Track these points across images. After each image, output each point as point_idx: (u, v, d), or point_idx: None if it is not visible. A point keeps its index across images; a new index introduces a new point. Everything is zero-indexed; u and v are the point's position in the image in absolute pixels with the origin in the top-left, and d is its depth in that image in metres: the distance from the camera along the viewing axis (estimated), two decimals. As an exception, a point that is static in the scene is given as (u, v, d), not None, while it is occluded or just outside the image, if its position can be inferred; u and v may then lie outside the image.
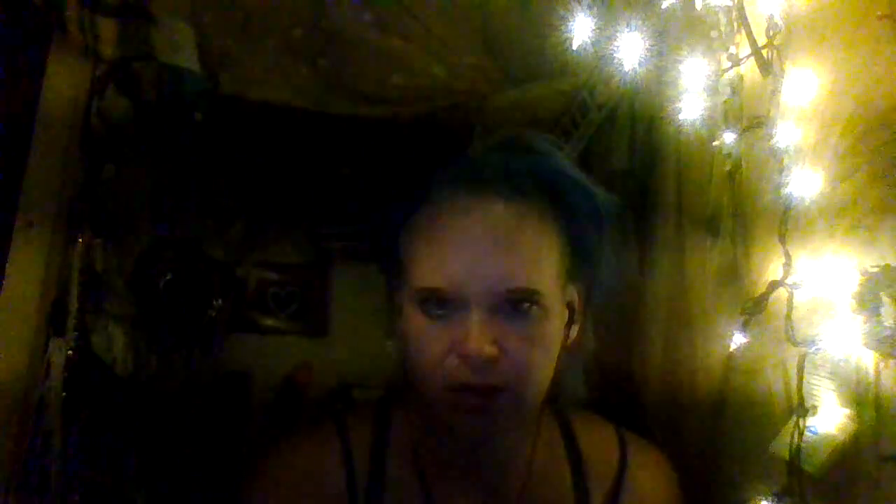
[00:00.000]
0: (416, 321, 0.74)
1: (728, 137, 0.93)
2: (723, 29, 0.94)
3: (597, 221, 0.80)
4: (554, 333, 0.76)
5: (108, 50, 1.30)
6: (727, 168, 0.96)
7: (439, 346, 0.72)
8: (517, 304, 0.72)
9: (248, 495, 0.84)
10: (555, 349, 0.76)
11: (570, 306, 0.80)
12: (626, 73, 0.93)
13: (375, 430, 0.85)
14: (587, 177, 0.80)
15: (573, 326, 0.81)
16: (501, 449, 0.82)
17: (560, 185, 0.77)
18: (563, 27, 0.94)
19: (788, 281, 0.79)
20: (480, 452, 0.82)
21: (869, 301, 0.68)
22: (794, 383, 0.78)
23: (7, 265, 1.10)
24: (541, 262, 0.73)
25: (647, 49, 0.91)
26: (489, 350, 0.70)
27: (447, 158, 0.79)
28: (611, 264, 0.83)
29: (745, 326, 0.88)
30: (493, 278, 0.71)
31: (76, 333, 1.20)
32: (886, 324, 0.66)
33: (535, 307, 0.72)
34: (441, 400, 0.73)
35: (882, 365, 0.69)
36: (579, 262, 0.79)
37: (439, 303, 0.72)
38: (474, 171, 0.75)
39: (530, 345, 0.72)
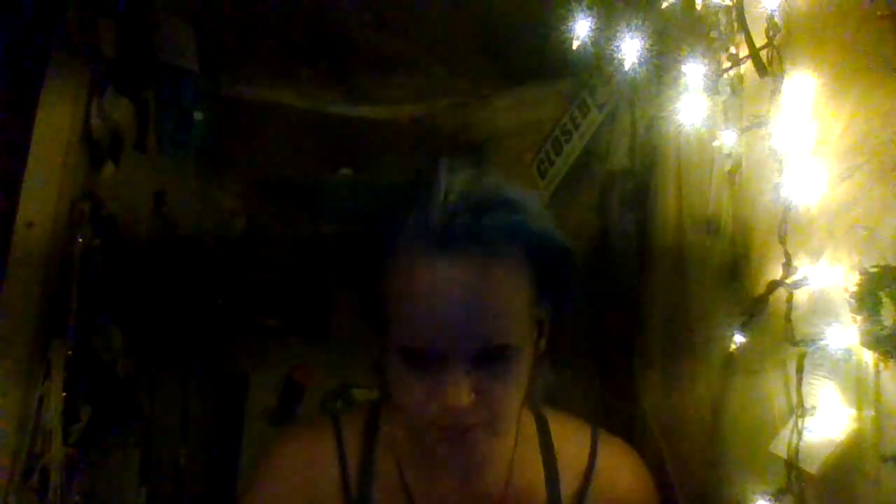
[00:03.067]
0: (396, 369, 0.77)
1: (728, 137, 0.93)
2: (723, 29, 0.94)
3: (563, 262, 0.82)
4: (525, 362, 0.79)
5: (108, 50, 1.29)
6: (727, 168, 0.96)
7: (419, 394, 0.76)
8: (491, 355, 0.75)
9: (249, 485, 0.90)
10: (526, 373, 0.80)
11: (539, 323, 0.83)
12: (626, 73, 0.94)
13: (367, 429, 0.90)
14: (553, 223, 0.81)
15: (542, 339, 0.84)
16: (481, 461, 0.87)
17: (529, 237, 0.77)
18: (563, 27, 0.94)
19: (788, 281, 0.79)
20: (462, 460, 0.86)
21: (869, 301, 0.68)
22: (794, 383, 0.78)
23: (7, 265, 1.10)
24: (512, 314, 0.76)
25: (647, 49, 0.91)
26: (466, 400, 0.73)
27: (413, 206, 0.76)
28: (577, 287, 0.85)
29: (745, 326, 0.88)
30: (469, 338, 0.74)
31: (76, 333, 1.20)
32: (886, 324, 0.66)
33: (507, 353, 0.76)
34: (423, 433, 0.79)
35: (882, 365, 0.69)
36: (548, 291, 0.81)
37: (417, 358, 0.75)
38: (444, 231, 0.74)
39: (505, 384, 0.76)
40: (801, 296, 0.79)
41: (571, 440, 0.91)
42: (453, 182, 0.76)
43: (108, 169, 1.30)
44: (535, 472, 0.88)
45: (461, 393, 0.73)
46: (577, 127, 1.55)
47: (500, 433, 0.81)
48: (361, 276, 0.81)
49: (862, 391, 0.71)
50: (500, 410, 0.77)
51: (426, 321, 0.73)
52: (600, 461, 0.89)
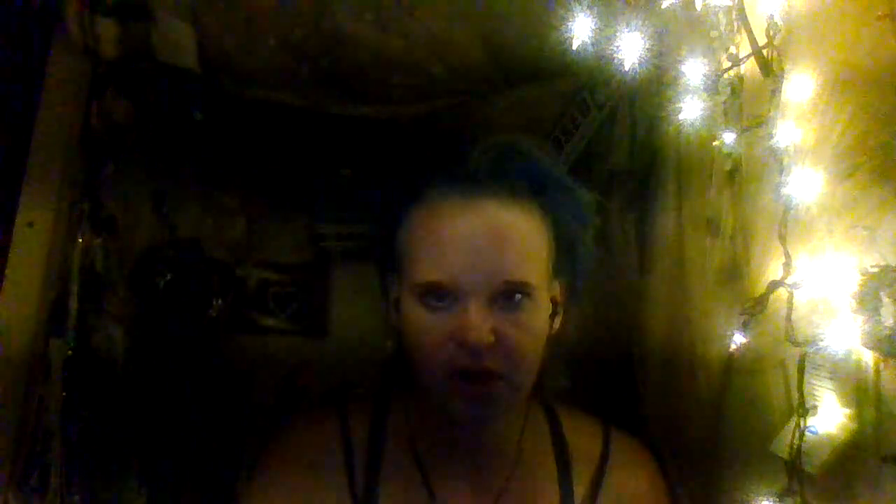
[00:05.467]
0: (415, 313, 0.79)
1: (728, 137, 0.93)
2: (723, 29, 0.94)
3: (580, 220, 0.86)
4: (542, 323, 0.81)
5: (108, 50, 1.29)
6: (727, 168, 0.96)
7: (439, 335, 0.77)
8: (511, 295, 0.77)
9: (253, 475, 0.90)
10: (542, 338, 0.82)
11: (553, 300, 0.85)
12: (626, 73, 0.94)
13: (374, 415, 0.90)
14: (572, 178, 0.86)
15: (556, 318, 0.87)
16: (493, 435, 0.87)
17: (547, 185, 0.82)
18: (563, 27, 0.94)
19: (788, 281, 0.79)
20: (473, 437, 0.87)
21: (869, 301, 0.68)
22: (794, 383, 0.78)
23: (7, 265, 1.10)
24: (532, 257, 0.79)
25: (647, 49, 0.91)
26: (486, 338, 0.75)
27: (443, 157, 0.84)
28: (590, 261, 0.88)
29: (745, 326, 0.88)
30: (490, 272, 0.76)
31: (76, 333, 1.20)
32: (886, 324, 0.66)
33: (526, 298, 0.78)
34: (440, 386, 0.79)
35: (882, 365, 0.69)
36: (563, 258, 0.85)
37: (438, 295, 0.77)
38: (469, 172, 0.80)
39: (522, 333, 0.78)
40: (801, 296, 0.79)
41: (583, 434, 0.92)
42: (482, 139, 0.84)
43: (108, 169, 1.30)
44: (547, 463, 0.89)
45: (482, 329, 0.74)
46: (577, 127, 1.55)
47: (513, 398, 0.81)
48: (389, 220, 0.84)
49: (862, 391, 0.71)
50: (518, 360, 0.77)
51: (451, 254, 0.76)
52: (613, 456, 0.90)
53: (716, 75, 0.94)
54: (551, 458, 0.89)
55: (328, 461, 0.87)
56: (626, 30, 0.90)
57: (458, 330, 0.75)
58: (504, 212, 0.78)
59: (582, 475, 0.88)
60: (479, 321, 0.74)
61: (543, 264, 0.81)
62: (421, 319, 0.77)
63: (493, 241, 0.77)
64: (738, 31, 0.92)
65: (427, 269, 0.77)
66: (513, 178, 0.80)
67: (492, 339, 0.75)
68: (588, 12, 0.93)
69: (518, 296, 0.77)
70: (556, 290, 0.86)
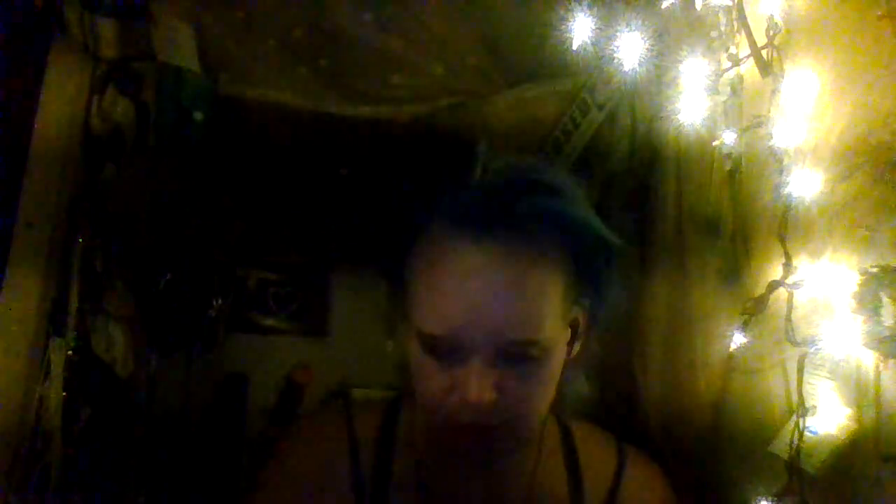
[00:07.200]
0: (419, 358, 0.74)
1: (728, 137, 0.93)
2: (723, 29, 0.94)
3: (604, 255, 0.78)
4: (554, 365, 0.75)
5: (108, 50, 1.30)
6: (727, 168, 0.96)
7: (440, 385, 0.72)
8: (517, 351, 0.71)
9: (257, 484, 0.86)
10: (555, 377, 0.76)
11: (573, 324, 0.79)
12: (626, 73, 0.94)
13: (383, 427, 0.87)
14: (594, 214, 0.77)
15: (576, 343, 0.81)
16: (504, 467, 0.84)
17: (567, 225, 0.74)
18: (563, 27, 0.94)
19: (788, 281, 0.79)
20: (483, 472, 0.84)
21: (869, 301, 0.68)
22: (794, 383, 0.78)
23: (7, 265, 1.10)
24: (543, 309, 0.71)
25: (647, 49, 0.91)
26: (488, 396, 0.70)
27: (448, 185, 0.74)
28: (617, 287, 0.81)
29: (745, 326, 0.88)
30: (494, 330, 0.69)
31: (76, 333, 1.20)
32: (886, 324, 0.66)
33: (535, 350, 0.72)
34: (443, 431, 0.75)
35: (882, 365, 0.69)
36: (585, 286, 0.78)
37: (440, 349, 0.72)
38: (477, 212, 0.71)
39: (529, 384, 0.73)
40: (801, 296, 0.79)
41: (597, 454, 0.88)
42: (490, 163, 0.73)
43: (109, 169, 1.30)
44: (559, 485, 0.85)
45: (484, 388, 0.69)
46: (577, 127, 1.55)
47: (522, 441, 0.78)
48: (388, 256, 0.78)
49: (862, 391, 0.71)
50: (524, 414, 0.73)
51: (451, 309, 0.69)
52: (627, 479, 0.86)
53: (716, 75, 0.94)
54: (564, 476, 0.86)
55: (335, 475, 0.83)
56: (626, 30, 0.90)
57: (459, 386, 0.70)
58: (514, 260, 0.69)
59: (595, 495, 0.85)
60: (479, 380, 0.69)
61: (558, 308, 0.72)
62: (424, 366, 0.73)
63: (499, 297, 0.69)
64: (738, 31, 0.92)
65: (429, 320, 0.71)
66: (527, 220, 0.70)
67: (494, 397, 0.69)
68: (588, 12, 0.93)
69: (525, 350, 0.71)
70: (577, 314, 0.79)
